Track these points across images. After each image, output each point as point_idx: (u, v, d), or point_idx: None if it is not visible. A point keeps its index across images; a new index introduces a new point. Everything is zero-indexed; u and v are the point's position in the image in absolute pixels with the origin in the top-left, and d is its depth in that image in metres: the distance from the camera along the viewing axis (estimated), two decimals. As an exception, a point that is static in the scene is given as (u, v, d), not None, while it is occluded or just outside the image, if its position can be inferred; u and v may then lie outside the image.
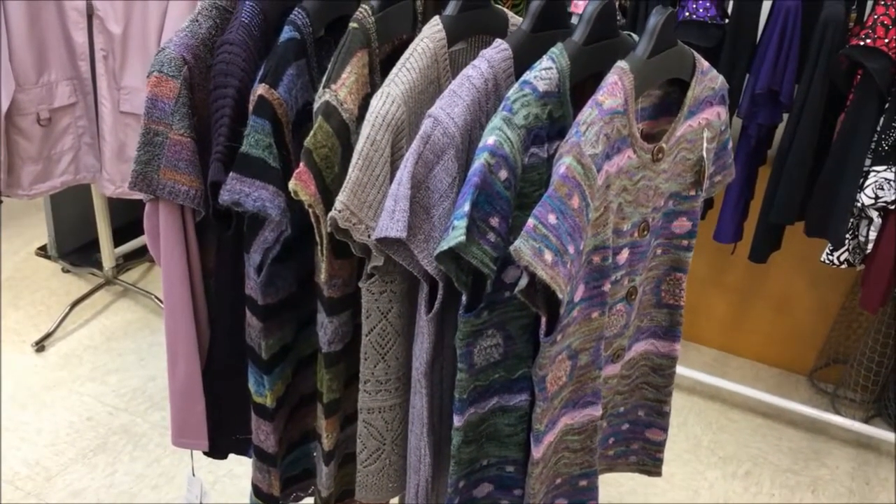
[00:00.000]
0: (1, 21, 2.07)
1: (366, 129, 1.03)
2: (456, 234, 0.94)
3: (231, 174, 1.10)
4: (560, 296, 0.94)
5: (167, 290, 1.27)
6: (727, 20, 1.99)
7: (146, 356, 2.63)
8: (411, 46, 1.10)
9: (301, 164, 1.03)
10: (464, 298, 1.04)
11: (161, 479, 2.15)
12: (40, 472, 2.17)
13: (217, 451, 1.41)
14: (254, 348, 1.25)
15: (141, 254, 3.05)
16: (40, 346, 2.61)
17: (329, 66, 1.11)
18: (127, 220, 2.93)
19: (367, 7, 1.15)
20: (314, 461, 1.42)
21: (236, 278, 1.24)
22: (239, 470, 2.17)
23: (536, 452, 1.09)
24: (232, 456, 1.44)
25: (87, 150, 2.33)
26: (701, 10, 1.91)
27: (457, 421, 1.11)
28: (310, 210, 1.07)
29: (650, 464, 1.38)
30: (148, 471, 2.19)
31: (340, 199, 1.02)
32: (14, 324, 2.71)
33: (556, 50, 1.02)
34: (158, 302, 2.81)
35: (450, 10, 1.12)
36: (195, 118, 1.18)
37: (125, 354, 2.64)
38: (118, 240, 2.90)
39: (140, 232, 3.03)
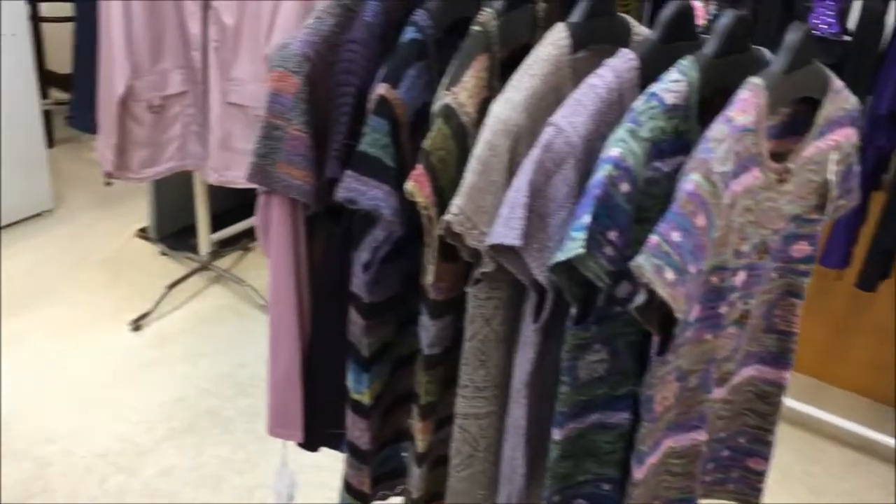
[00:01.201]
0: (110, 13, 2.15)
1: (485, 133, 1.02)
2: (574, 246, 0.92)
3: (347, 172, 1.11)
4: (679, 315, 0.91)
5: (274, 281, 1.29)
6: (849, 36, 1.91)
7: (235, 343, 2.69)
8: (534, 52, 1.08)
9: (418, 166, 1.03)
10: (573, 311, 1.02)
11: (246, 465, 2.20)
12: (132, 448, 2.24)
13: (310, 443, 1.43)
14: (355, 345, 1.26)
15: (235, 241, 3.12)
16: (137, 325, 2.70)
17: (450, 68, 1.10)
18: (224, 207, 3.00)
19: (490, 10, 1.14)
20: (404, 461, 1.42)
21: (342, 275, 1.24)
22: (323, 462, 2.18)
23: (638, 473, 1.06)
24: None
25: (194, 138, 2.39)
26: (823, 26, 1.84)
27: (556, 434, 1.09)
28: (423, 212, 1.07)
29: (749, 493, 1.34)
30: (234, 455, 2.23)
31: (456, 203, 1.01)
32: (113, 302, 2.81)
33: (687, 62, 0.99)
34: (250, 290, 2.87)
35: (575, 16, 1.10)
36: (313, 114, 1.19)
37: (216, 339, 2.70)
38: (215, 226, 2.97)
39: (236, 219, 3.11)
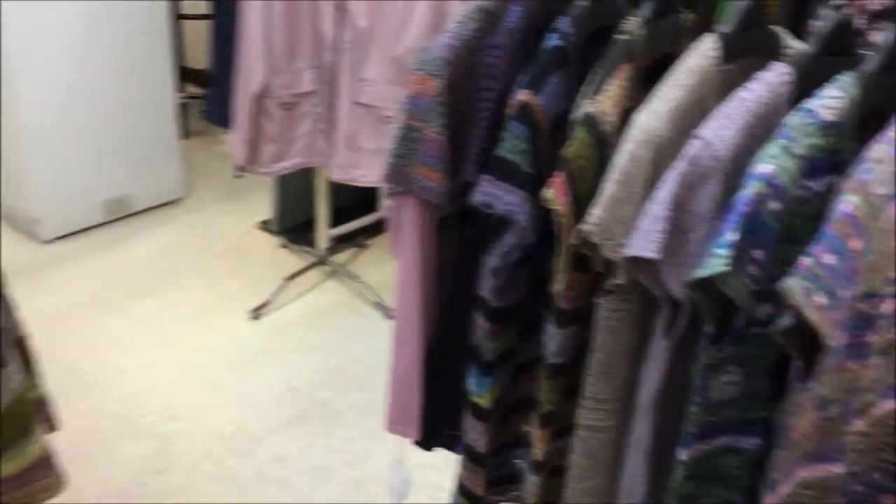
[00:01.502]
0: (250, 13, 2.23)
1: (628, 143, 1.01)
2: (718, 263, 0.90)
3: (484, 176, 1.12)
4: (827, 342, 0.88)
5: (402, 280, 1.31)
6: None
7: (348, 337, 2.74)
8: (682, 62, 1.06)
9: (559, 173, 1.02)
10: (709, 330, 1.00)
11: (356, 458, 2.24)
12: (247, 433, 2.31)
13: (426, 442, 1.44)
14: (478, 349, 1.26)
15: (352, 238, 3.18)
16: (256, 314, 2.79)
17: (593, 76, 1.09)
18: (343, 204, 3.06)
19: (635, 19, 1.12)
20: (517, 467, 1.42)
21: (469, 278, 1.25)
22: (433, 461, 2.20)
23: (770, 500, 1.02)
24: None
25: (321, 136, 2.45)
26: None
27: (682, 455, 1.07)
28: (559, 220, 1.06)
29: (881, 532, 1.27)
30: (344, 448, 2.28)
31: (595, 212, 1.00)
32: (235, 291, 2.91)
33: (848, 78, 0.95)
34: (364, 286, 2.92)
35: (726, 27, 1.07)
36: (451, 117, 1.20)
37: (329, 333, 2.76)
38: (333, 222, 3.03)
39: (353, 217, 3.17)
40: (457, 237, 1.28)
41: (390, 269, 3.01)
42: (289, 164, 2.48)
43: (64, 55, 2.93)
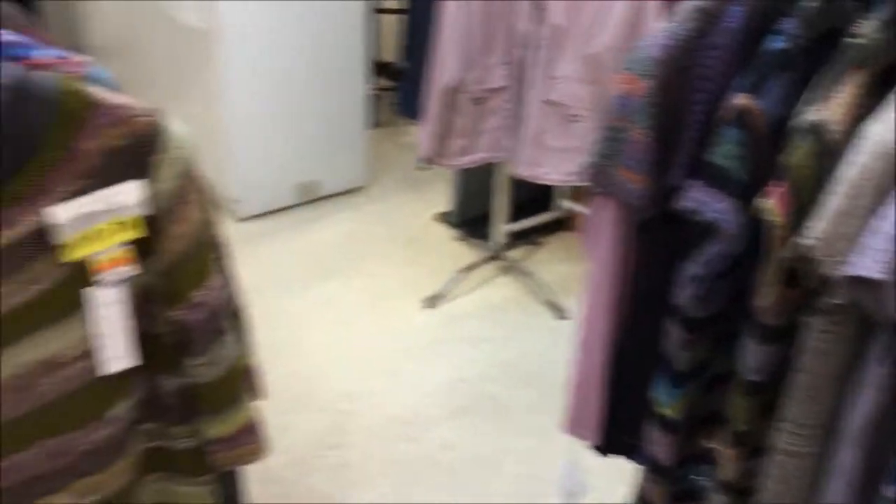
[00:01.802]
0: (448, 8, 2.27)
1: (859, 155, 0.95)
2: (958, 289, 0.83)
3: (693, 181, 1.08)
4: None
5: (594, 282, 1.29)
6: None
7: (519, 334, 2.75)
8: (923, 70, 0.98)
9: (779, 183, 0.98)
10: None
11: (523, 456, 2.24)
12: (418, 419, 2.37)
13: (604, 448, 1.42)
14: (670, 358, 1.23)
15: (527, 235, 3.18)
16: (430, 303, 2.85)
17: (820, 80, 1.03)
18: (521, 200, 3.07)
19: (871, 22, 1.05)
20: (697, 483, 1.37)
21: (665, 285, 1.22)
22: (599, 467, 2.18)
23: None
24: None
25: (507, 132, 2.47)
26: None
27: (889, 491, 0.99)
28: (773, 231, 1.01)
29: None
30: (512, 444, 2.28)
31: (818, 226, 0.94)
32: (412, 279, 2.98)
33: None
34: (537, 284, 2.91)
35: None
36: (659, 119, 1.17)
37: (500, 327, 2.78)
38: (510, 218, 3.05)
39: (530, 213, 3.17)
40: (655, 242, 1.25)
41: (563, 268, 3.04)
42: (474, 158, 2.51)
43: (271, 47, 3.10)
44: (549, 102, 2.35)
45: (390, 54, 3.91)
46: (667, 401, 1.24)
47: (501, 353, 2.66)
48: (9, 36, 0.92)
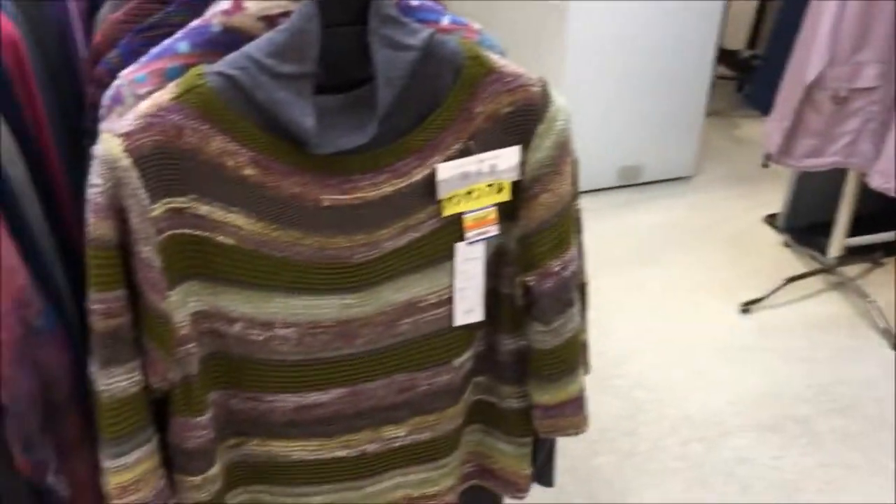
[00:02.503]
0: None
1: None
2: None
3: None
4: None
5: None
6: None
7: (841, 357, 2.52)
8: None
9: None
10: None
11: (828, 487, 2.06)
12: (717, 424, 2.27)
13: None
14: None
15: (868, 251, 2.90)
16: (746, 308, 2.70)
17: None
18: (865, 212, 2.79)
19: None
20: None
21: None
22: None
23: None
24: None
25: (867, 137, 2.25)
26: None
27: None
28: None
29: None
30: (817, 471, 2.11)
31: None
32: (729, 279, 2.85)
33: None
34: (873, 307, 2.65)
35: None
36: None
37: (821, 347, 2.57)
38: (851, 231, 2.79)
39: (874, 229, 2.88)
40: None
41: (908, 294, 2.73)
42: (823, 161, 2.33)
43: (622, 23, 3.08)
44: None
45: (738, 42, 3.73)
46: None
47: (819, 376, 2.46)
48: (416, 1, 1.00)
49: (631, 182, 3.39)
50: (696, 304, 2.75)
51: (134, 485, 0.95)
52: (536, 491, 1.24)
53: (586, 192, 3.32)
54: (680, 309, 2.73)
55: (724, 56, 3.76)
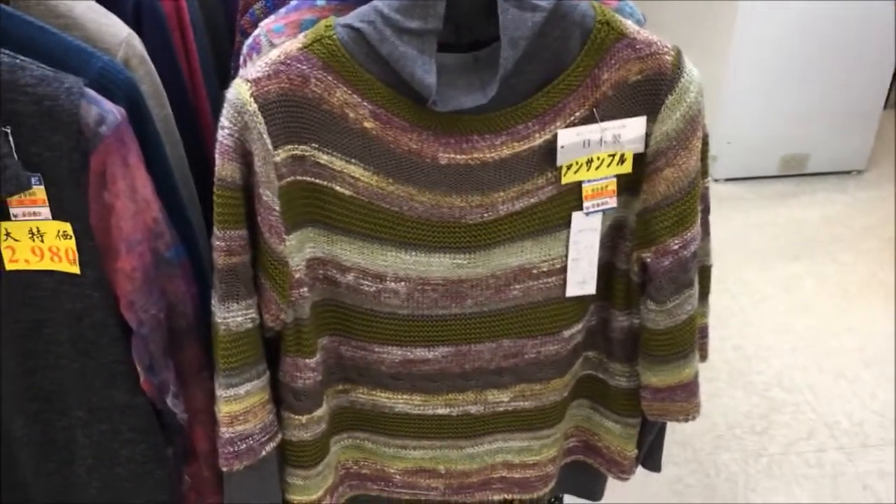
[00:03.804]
0: None
1: None
2: None
3: None
4: None
5: None
6: None
7: None
8: None
9: None
10: None
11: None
12: (858, 434, 2.13)
13: None
14: None
15: None
16: (907, 315, 2.51)
17: None
18: None
19: None
20: None
21: None
22: None
23: None
24: None
25: None
26: None
27: None
28: None
29: None
30: (967, 499, 1.95)
31: None
32: (887, 281, 2.66)
33: None
34: None
35: None
36: None
37: None
38: None
39: None
40: None
41: None
42: None
43: (802, 6, 2.90)
44: None
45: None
46: None
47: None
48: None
49: (794, 172, 3.20)
50: (850, 306, 2.58)
51: (243, 415, 1.00)
52: (653, 480, 1.19)
53: (742, 178, 3.18)
54: (831, 310, 2.57)
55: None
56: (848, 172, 3.21)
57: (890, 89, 3.17)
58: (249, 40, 0.98)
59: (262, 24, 0.98)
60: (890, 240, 2.87)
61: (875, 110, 3.11)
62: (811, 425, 2.16)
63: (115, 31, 0.97)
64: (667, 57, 0.91)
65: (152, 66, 1.02)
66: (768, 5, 2.87)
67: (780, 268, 2.74)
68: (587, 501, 1.31)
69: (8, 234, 0.89)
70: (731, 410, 2.21)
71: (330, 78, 0.88)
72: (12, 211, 0.88)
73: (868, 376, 2.32)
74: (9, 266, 0.90)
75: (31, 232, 0.89)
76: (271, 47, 0.96)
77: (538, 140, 0.93)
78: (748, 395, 2.26)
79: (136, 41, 0.99)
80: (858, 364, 2.36)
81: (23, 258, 0.90)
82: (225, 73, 1.28)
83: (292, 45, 0.88)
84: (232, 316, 0.95)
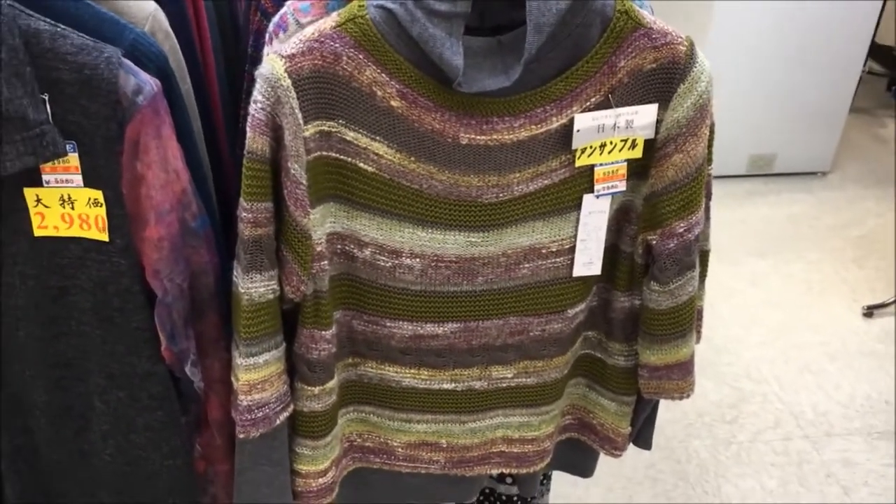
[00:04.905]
0: None
1: None
2: None
3: None
4: None
5: None
6: None
7: (968, 374, 2.41)
8: None
9: None
10: None
11: (939, 502, 2.00)
12: (823, 424, 2.22)
13: None
14: None
15: None
16: (869, 312, 2.61)
17: None
18: None
19: None
20: None
21: None
22: None
23: None
24: None
25: None
26: None
27: None
28: None
29: None
30: (926, 485, 2.05)
31: None
32: (853, 280, 2.76)
33: None
34: None
35: None
36: None
37: (944, 361, 2.46)
38: None
39: None
40: None
41: None
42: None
43: (774, 7, 2.98)
44: None
45: (892, 38, 3.55)
46: None
47: (937, 388, 2.36)
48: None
49: (761, 172, 3.30)
50: (815, 302, 2.67)
51: (260, 384, 1.02)
52: (626, 466, 1.24)
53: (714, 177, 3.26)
54: (797, 305, 2.66)
55: (876, 51, 3.59)
56: (813, 173, 3.32)
57: (855, 94, 3.27)
58: (276, 18, 1.01)
59: (288, 3, 1.01)
60: (853, 239, 2.98)
61: (841, 114, 3.22)
62: (778, 415, 2.24)
63: (143, 5, 0.99)
64: (681, 47, 0.96)
65: (175, 40, 1.04)
66: (744, 6, 2.95)
67: (749, 264, 2.83)
68: (572, 490, 1.35)
69: (39, 201, 0.90)
70: (701, 400, 2.28)
71: (361, 56, 0.91)
72: (45, 177, 0.89)
73: (832, 369, 2.41)
74: (37, 232, 0.92)
75: (62, 199, 0.90)
76: (298, 26, 0.99)
77: (555, 124, 0.97)
78: (718, 386, 2.33)
79: (161, 15, 1.01)
80: (823, 357, 2.45)
81: (52, 224, 0.91)
82: (228, 51, 1.30)
83: (326, 23, 0.90)
84: (255, 286, 0.98)
